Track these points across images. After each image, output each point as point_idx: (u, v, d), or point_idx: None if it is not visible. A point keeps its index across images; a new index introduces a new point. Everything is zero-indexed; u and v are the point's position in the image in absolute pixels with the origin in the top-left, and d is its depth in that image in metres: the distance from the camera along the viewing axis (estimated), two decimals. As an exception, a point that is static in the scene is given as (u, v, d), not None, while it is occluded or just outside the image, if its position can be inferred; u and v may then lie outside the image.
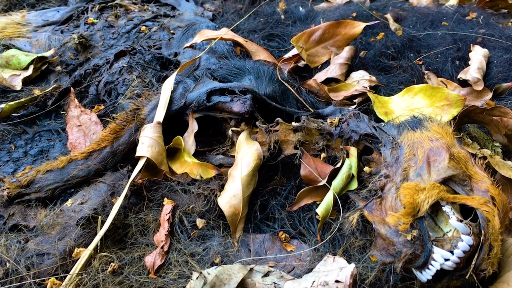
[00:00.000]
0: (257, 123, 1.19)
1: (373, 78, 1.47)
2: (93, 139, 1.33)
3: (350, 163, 1.10)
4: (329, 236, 1.01)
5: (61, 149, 1.39)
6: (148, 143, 1.15)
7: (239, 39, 1.61)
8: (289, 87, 1.31)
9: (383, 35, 1.70)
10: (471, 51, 1.59)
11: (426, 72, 1.53)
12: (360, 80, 1.46)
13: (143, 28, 1.87)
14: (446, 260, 0.80)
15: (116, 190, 1.12)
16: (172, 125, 1.25)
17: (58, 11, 2.05)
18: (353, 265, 0.88)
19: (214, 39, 1.56)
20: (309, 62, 1.59)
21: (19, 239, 1.01)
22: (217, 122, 1.28)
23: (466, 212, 0.86)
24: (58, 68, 1.71)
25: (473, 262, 0.79)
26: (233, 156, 1.18)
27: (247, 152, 1.13)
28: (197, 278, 0.88)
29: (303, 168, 1.13)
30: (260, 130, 1.18)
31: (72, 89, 1.52)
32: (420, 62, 1.59)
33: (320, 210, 1.03)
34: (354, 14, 1.87)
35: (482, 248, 0.80)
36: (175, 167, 1.18)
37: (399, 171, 0.95)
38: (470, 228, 0.81)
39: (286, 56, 1.64)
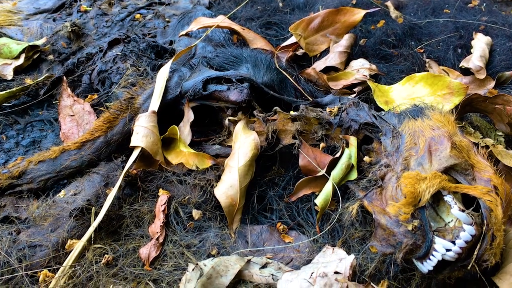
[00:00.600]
0: (254, 112, 1.18)
1: (373, 66, 1.46)
2: (86, 129, 1.31)
3: (349, 153, 1.09)
4: (328, 227, 1.00)
5: (53, 139, 1.38)
6: (142, 133, 1.14)
7: (236, 27, 1.60)
8: (287, 76, 1.30)
9: (384, 22, 1.68)
10: (473, 39, 1.58)
11: (427, 60, 1.52)
12: (360, 68, 1.45)
13: (138, 16, 1.85)
14: (448, 250, 0.79)
15: (110, 181, 1.11)
16: (168, 115, 1.24)
17: (50, -1, 2.03)
18: (352, 256, 0.87)
19: (211, 27, 1.55)
20: (308, 51, 1.57)
21: (10, 231, 1.00)
22: (214, 112, 1.27)
23: (469, 202, 0.86)
24: (51, 57, 1.70)
25: (475, 253, 0.79)
26: (230, 146, 1.17)
27: (244, 142, 1.12)
28: (193, 270, 0.87)
29: (302, 158, 1.12)
30: (257, 120, 1.17)
31: (64, 78, 1.51)
32: (421, 50, 1.58)
33: (319, 201, 1.02)
34: (354, 1, 1.85)
35: (484, 238, 0.79)
36: (170, 157, 1.17)
37: (399, 161, 0.94)
38: (473, 218, 0.80)
39: (284, 44, 1.63)
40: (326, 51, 1.57)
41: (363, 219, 0.99)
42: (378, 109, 1.25)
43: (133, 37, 1.56)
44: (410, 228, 0.82)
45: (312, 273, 0.85)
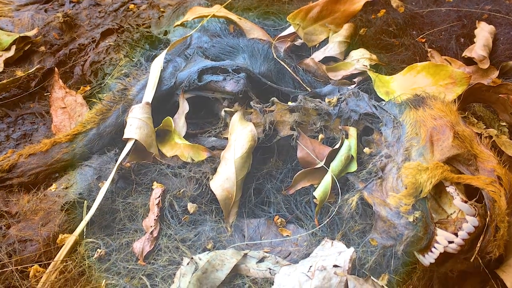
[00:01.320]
0: (251, 103, 1.17)
1: (374, 56, 1.45)
2: (78, 121, 1.30)
3: (349, 144, 1.08)
4: (327, 220, 0.99)
5: (45, 132, 1.37)
6: (136, 125, 1.13)
7: (233, 16, 1.58)
8: (285, 66, 1.29)
9: (384, 12, 1.67)
10: (476, 28, 1.57)
11: (429, 50, 1.51)
12: (360, 58, 1.44)
13: (132, 6, 1.84)
14: (450, 242, 0.79)
15: (102, 174, 1.10)
16: (162, 106, 1.23)
17: (42, -11, 2.01)
18: (352, 249, 0.87)
19: (206, 16, 1.54)
20: (307, 41, 1.56)
21: (0, 225, 0.99)
22: (209, 103, 1.26)
23: (471, 193, 0.85)
24: (42, 48, 1.68)
25: (478, 245, 0.78)
26: (226, 138, 1.17)
27: (240, 134, 1.11)
28: (188, 264, 0.86)
29: (300, 150, 1.11)
30: (254, 111, 1.16)
31: (56, 69, 1.49)
32: (423, 40, 1.57)
33: (317, 193, 1.01)
34: (354, -9, 1.84)
35: (487, 230, 0.78)
36: (165, 149, 1.16)
37: (400, 151, 0.93)
38: (475, 209, 0.79)
39: (282, 34, 1.61)
40: (325, 41, 1.55)
41: (363, 211, 0.99)
42: (379, 100, 1.24)
43: (126, 27, 1.54)
44: (411, 219, 0.82)
45: (311, 266, 0.85)
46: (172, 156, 1.14)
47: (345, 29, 1.54)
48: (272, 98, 1.16)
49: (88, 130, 1.18)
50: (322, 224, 0.99)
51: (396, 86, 1.29)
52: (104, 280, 0.89)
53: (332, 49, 1.49)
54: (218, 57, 1.31)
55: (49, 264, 0.91)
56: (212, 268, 0.87)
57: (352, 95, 1.13)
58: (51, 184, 1.09)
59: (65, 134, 1.19)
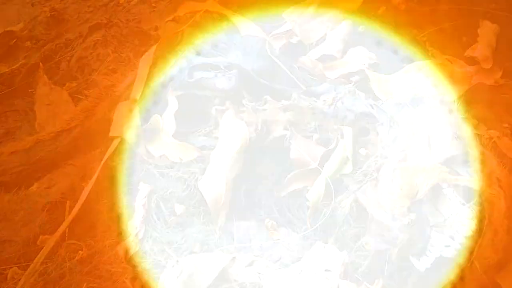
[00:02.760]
0: (243, 101, 1.17)
1: (372, 55, 1.45)
2: (64, 119, 1.30)
3: (344, 145, 1.08)
4: (319, 222, 0.99)
5: (29, 130, 1.36)
6: (123, 123, 1.13)
7: (227, 12, 1.58)
8: (280, 63, 1.29)
9: (384, 9, 1.68)
10: (480, 27, 1.57)
11: (430, 49, 1.51)
12: (358, 57, 1.44)
13: (122, 0, 1.84)
14: (446, 246, 0.79)
15: (86, 173, 1.10)
16: (150, 104, 1.23)
17: (29, -18, 2.01)
18: (344, 253, 0.86)
19: (199, 11, 1.54)
20: (303, 38, 1.56)
21: (-22, 226, 0.99)
22: (200, 101, 1.26)
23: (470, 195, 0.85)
24: (28, 43, 1.68)
25: (476, 249, 0.78)
26: (217, 138, 1.16)
27: (232, 133, 1.11)
28: (172, 267, 0.86)
29: (293, 151, 1.11)
30: (246, 109, 1.16)
31: (41, 65, 1.49)
32: (424, 39, 1.57)
33: (311, 196, 1.01)
34: (354, -13, 1.85)
35: (485, 234, 0.78)
36: (152, 148, 1.16)
37: (397, 151, 0.94)
38: (473, 212, 0.79)
39: (278, 31, 1.61)
40: (322, 39, 1.55)
41: (358, 214, 0.98)
42: (376, 99, 1.24)
43: (115, 22, 1.55)
44: (406, 222, 0.82)
45: (301, 271, 0.85)
46: (160, 156, 1.13)
47: (344, 26, 1.55)
48: (265, 97, 1.16)
49: (72, 127, 1.18)
50: (315, 226, 0.99)
51: (395, 85, 1.29)
52: (85, 284, 0.88)
53: (330, 46, 1.49)
54: (210, 54, 1.32)
55: (28, 265, 0.91)
56: (198, 272, 0.87)
57: (348, 94, 1.13)
58: (33, 184, 1.09)
59: (48, 131, 1.19)
